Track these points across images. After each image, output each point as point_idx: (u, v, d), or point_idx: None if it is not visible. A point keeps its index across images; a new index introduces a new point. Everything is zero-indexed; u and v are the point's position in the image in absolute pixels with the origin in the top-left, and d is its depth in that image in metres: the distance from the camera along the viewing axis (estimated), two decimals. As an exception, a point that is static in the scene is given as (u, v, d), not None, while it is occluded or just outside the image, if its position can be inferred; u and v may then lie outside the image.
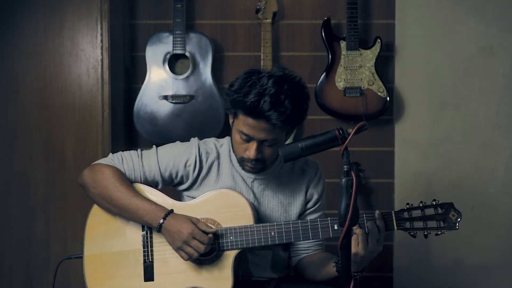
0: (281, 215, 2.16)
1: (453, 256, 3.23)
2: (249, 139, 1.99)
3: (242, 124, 1.98)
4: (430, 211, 1.96)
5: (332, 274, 2.02)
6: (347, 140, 1.76)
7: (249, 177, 2.14)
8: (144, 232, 2.08)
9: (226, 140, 2.19)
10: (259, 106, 1.91)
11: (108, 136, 2.89)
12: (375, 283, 3.26)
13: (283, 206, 2.17)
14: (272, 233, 2.02)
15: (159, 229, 2.01)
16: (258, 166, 2.06)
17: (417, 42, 3.22)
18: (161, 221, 2.00)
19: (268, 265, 2.19)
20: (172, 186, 2.19)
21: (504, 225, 3.22)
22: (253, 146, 2.00)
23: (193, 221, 1.99)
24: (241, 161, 2.07)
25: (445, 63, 3.22)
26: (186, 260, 2.01)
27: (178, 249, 1.99)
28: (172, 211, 2.02)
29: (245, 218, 2.04)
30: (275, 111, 1.91)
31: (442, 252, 3.22)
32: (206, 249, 1.98)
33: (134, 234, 2.09)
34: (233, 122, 2.06)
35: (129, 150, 2.19)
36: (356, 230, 1.89)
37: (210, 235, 1.98)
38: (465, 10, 3.19)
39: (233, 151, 2.11)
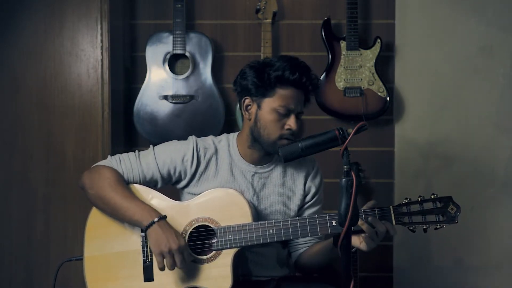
0: (281, 208, 2.17)
1: (453, 256, 3.23)
2: (287, 112, 2.06)
3: (283, 99, 2.06)
4: (428, 205, 1.96)
5: (328, 247, 2.05)
6: (347, 140, 1.76)
7: (249, 171, 2.16)
8: (144, 232, 2.08)
9: (224, 137, 2.21)
10: (302, 76, 2.06)
11: (108, 136, 2.89)
12: (375, 283, 3.26)
13: (283, 200, 2.18)
14: (271, 231, 2.03)
15: (149, 227, 1.99)
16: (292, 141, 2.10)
17: (417, 42, 3.22)
18: (156, 219, 1.99)
19: (267, 264, 2.19)
20: (171, 184, 2.20)
21: (504, 225, 3.22)
22: (292, 117, 2.07)
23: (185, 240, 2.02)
24: (279, 140, 2.08)
25: (445, 63, 3.22)
26: (158, 267, 1.99)
27: (159, 254, 1.98)
28: (165, 216, 2.03)
29: (244, 216, 2.04)
30: (309, 77, 2.08)
31: (442, 252, 3.22)
32: (182, 268, 2.00)
33: (133, 235, 2.08)
34: (259, 107, 2.10)
35: (129, 150, 2.20)
36: (363, 225, 1.91)
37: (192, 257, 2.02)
38: (465, 10, 3.19)
39: (263, 137, 2.09)
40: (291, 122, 2.06)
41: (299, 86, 2.07)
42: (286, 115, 2.07)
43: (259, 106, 2.10)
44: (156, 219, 1.99)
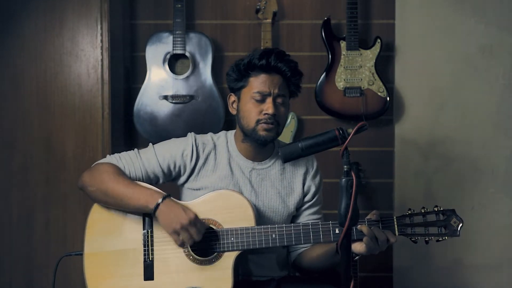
0: (279, 205, 2.18)
1: (453, 256, 3.23)
2: (263, 97, 2.10)
3: (256, 85, 2.11)
4: (431, 217, 1.96)
5: (330, 252, 2.03)
6: (347, 140, 1.77)
7: (247, 167, 2.18)
8: (145, 231, 2.08)
9: (222, 134, 2.24)
10: (270, 60, 2.10)
11: (108, 136, 2.89)
12: (375, 283, 3.26)
13: (281, 197, 2.19)
14: (273, 236, 2.03)
15: (155, 209, 2.00)
16: (274, 128, 2.11)
17: (417, 42, 3.22)
18: (160, 200, 2.00)
19: (268, 264, 2.19)
20: (171, 180, 2.21)
21: (504, 225, 3.22)
22: (269, 101, 2.10)
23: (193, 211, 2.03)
24: (256, 126, 2.10)
25: (445, 63, 3.22)
26: (178, 245, 2.02)
27: (173, 232, 2.00)
28: (170, 195, 2.04)
29: (246, 219, 2.05)
30: (282, 61, 2.11)
31: (442, 252, 3.22)
32: (199, 239, 2.00)
33: (134, 233, 2.09)
34: (239, 100, 2.15)
35: (129, 150, 2.21)
36: (362, 228, 1.91)
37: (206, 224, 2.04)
38: (465, 10, 3.19)
39: (244, 127, 2.14)
40: (267, 106, 2.09)
41: (270, 70, 2.11)
42: (263, 100, 2.10)
43: (239, 99, 2.16)
44: (160, 200, 2.01)
